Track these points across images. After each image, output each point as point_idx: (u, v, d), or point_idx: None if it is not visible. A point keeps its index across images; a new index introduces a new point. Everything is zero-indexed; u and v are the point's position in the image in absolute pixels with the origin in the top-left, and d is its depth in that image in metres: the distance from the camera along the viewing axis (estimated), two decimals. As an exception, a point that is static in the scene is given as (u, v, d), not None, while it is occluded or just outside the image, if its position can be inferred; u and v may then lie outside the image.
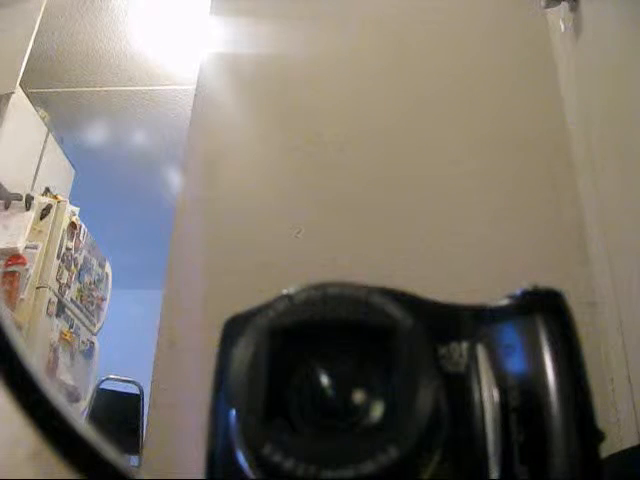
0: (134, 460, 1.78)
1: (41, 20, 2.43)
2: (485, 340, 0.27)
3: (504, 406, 0.25)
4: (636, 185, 0.93)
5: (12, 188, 2.54)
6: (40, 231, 2.50)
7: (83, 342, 2.74)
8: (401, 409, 0.23)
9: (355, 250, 1.17)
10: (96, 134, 3.09)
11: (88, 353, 2.78)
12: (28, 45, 2.41)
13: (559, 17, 1.22)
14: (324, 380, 0.25)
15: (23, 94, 2.59)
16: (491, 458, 0.25)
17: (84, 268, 2.76)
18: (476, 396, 0.26)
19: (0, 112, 2.41)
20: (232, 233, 1.22)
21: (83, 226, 2.74)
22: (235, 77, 1.40)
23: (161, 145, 3.04)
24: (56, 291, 2.49)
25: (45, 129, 2.87)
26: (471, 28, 1.37)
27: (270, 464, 0.22)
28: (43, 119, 2.84)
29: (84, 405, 2.45)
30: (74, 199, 2.80)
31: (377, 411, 0.24)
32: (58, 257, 2.51)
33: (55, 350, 2.45)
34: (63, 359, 2.51)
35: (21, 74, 2.42)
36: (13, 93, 2.46)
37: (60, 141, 3.00)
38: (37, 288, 2.39)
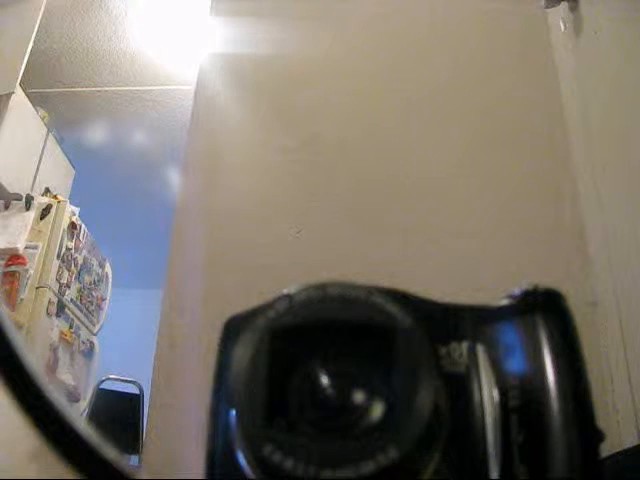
0: (134, 460, 1.78)
1: (41, 20, 2.44)
2: (485, 340, 0.27)
3: (504, 406, 0.25)
4: (636, 185, 0.93)
5: (12, 188, 2.54)
6: (40, 231, 2.50)
7: (83, 342, 2.74)
8: (401, 409, 0.23)
9: (355, 250, 1.17)
10: (96, 134, 3.10)
11: (88, 353, 2.79)
12: (28, 45, 2.41)
13: (559, 17, 1.22)
14: (324, 380, 0.25)
15: (23, 94, 2.59)
16: (491, 458, 0.25)
17: (84, 268, 2.76)
18: (476, 396, 0.26)
19: (0, 112, 2.41)
20: (232, 233, 1.22)
21: (83, 226, 2.74)
22: (235, 77, 1.40)
23: (161, 145, 3.04)
24: (56, 291, 2.49)
25: (45, 129, 2.87)
26: (471, 28, 1.37)
27: (270, 464, 0.22)
28: (43, 119, 2.84)
29: (84, 405, 2.45)
30: (74, 199, 2.80)
31: (377, 411, 0.24)
32: (58, 257, 2.51)
33: (55, 350, 2.45)
34: (63, 359, 2.51)
35: (21, 74, 2.43)
36: (13, 93, 2.46)
37: (60, 141, 3.00)
38: (37, 288, 2.39)
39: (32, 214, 2.52)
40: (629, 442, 0.82)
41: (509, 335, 0.27)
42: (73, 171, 3.15)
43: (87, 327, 2.80)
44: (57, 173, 2.97)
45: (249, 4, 1.48)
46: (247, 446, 0.24)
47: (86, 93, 2.94)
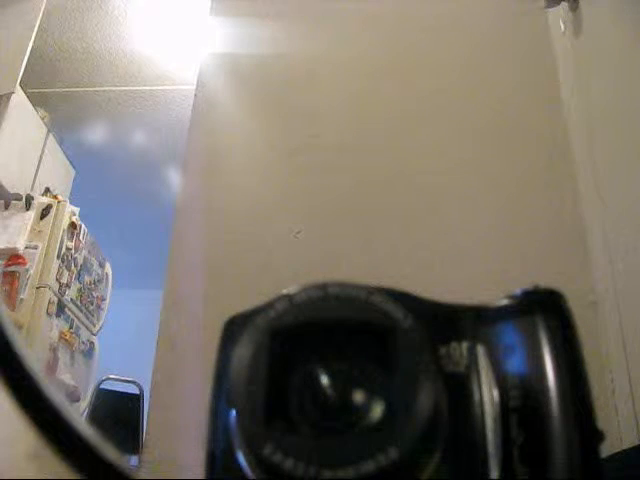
0: (134, 460, 1.78)
1: (41, 20, 2.43)
2: (485, 340, 0.27)
3: (504, 406, 0.25)
4: (636, 185, 0.93)
5: (12, 188, 2.54)
6: (40, 231, 2.50)
7: (83, 342, 2.74)
8: (401, 409, 0.23)
9: (355, 250, 1.17)
10: (96, 134, 3.09)
11: (88, 353, 2.78)
12: (28, 45, 2.41)
13: (559, 17, 1.22)
14: (324, 380, 0.25)
15: (23, 94, 2.59)
16: (491, 458, 0.25)
17: (84, 268, 2.76)
18: (476, 396, 0.26)
19: (0, 112, 2.41)
20: (232, 233, 1.22)
21: (83, 226, 2.74)
22: (235, 77, 1.40)
23: (161, 145, 3.04)
24: (56, 291, 2.49)
25: (45, 129, 2.87)
26: (471, 28, 1.37)
27: (270, 464, 0.22)
28: (43, 119, 2.84)
29: (84, 405, 2.44)
30: (74, 199, 2.80)
31: (377, 411, 0.24)
32: (58, 257, 2.51)
33: (55, 350, 2.45)
34: (63, 359, 2.51)
35: (21, 74, 2.42)
36: (13, 93, 2.46)
37: (60, 141, 3.00)
38: (37, 288, 2.39)
39: (32, 214, 2.52)
40: (629, 442, 0.82)
41: (509, 335, 0.27)
42: (73, 171, 3.14)
43: (87, 327, 2.80)
44: (57, 173, 2.97)
45: (249, 4, 1.48)
46: (247, 446, 0.24)
47: (86, 93, 2.94)
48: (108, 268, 3.04)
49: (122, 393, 2.43)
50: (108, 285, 3.03)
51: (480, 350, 0.27)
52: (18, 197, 2.54)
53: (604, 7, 1.07)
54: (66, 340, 2.55)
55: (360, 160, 1.27)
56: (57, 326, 2.49)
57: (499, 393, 0.26)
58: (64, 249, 2.56)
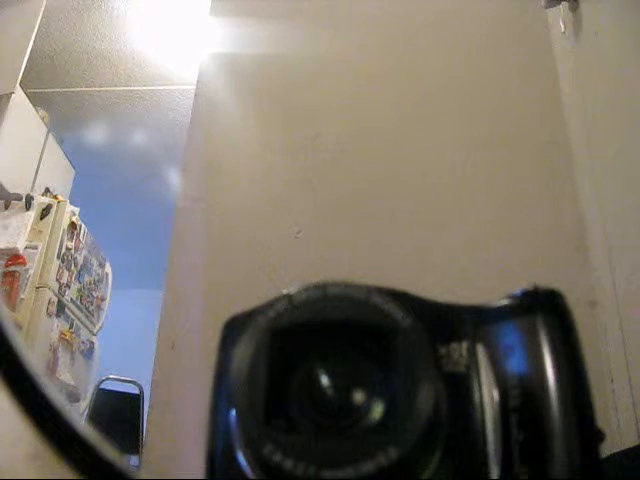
0: (134, 460, 1.78)
1: (41, 20, 2.44)
2: (485, 340, 0.27)
3: (504, 406, 0.25)
4: (636, 185, 0.93)
5: (12, 188, 2.54)
6: (40, 231, 2.50)
7: (83, 342, 2.74)
8: (401, 409, 0.23)
9: (355, 250, 1.17)
10: (96, 134, 3.10)
11: (88, 353, 2.79)
12: (28, 45, 2.41)
13: (559, 17, 1.22)
14: (324, 380, 0.25)
15: (23, 94, 2.59)
16: (491, 458, 0.25)
17: (84, 268, 2.76)
18: (476, 396, 0.26)
19: (0, 112, 2.41)
20: (232, 233, 1.22)
21: (83, 226, 2.74)
22: (235, 77, 1.40)
23: (161, 145, 3.04)
24: (56, 291, 2.49)
25: (45, 129, 2.87)
26: (471, 28, 1.37)
27: (270, 464, 0.22)
28: (43, 119, 2.84)
29: (84, 405, 2.45)
30: (74, 199, 2.80)
31: (377, 411, 0.24)
32: (58, 257, 2.51)
33: (55, 350, 2.45)
34: (63, 359, 2.51)
35: (21, 74, 2.42)
36: (13, 93, 2.46)
37: (60, 141, 3.00)
38: (37, 288, 2.39)
39: (32, 214, 2.52)
40: (629, 442, 0.82)
41: (509, 335, 0.27)
42: (73, 171, 3.15)
43: (87, 327, 2.80)
44: (57, 173, 2.97)
45: (249, 4, 1.48)
46: (247, 446, 0.24)
47: (86, 93, 2.94)
48: (108, 268, 3.04)
49: (122, 393, 2.43)
50: (108, 285, 3.03)
51: (480, 350, 0.27)
52: (18, 197, 2.54)
53: (604, 7, 1.06)
54: (66, 340, 2.55)
55: (360, 160, 1.27)
56: (57, 326, 2.49)
57: (499, 393, 0.26)
58: (64, 249, 2.57)
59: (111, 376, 2.49)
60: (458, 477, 0.25)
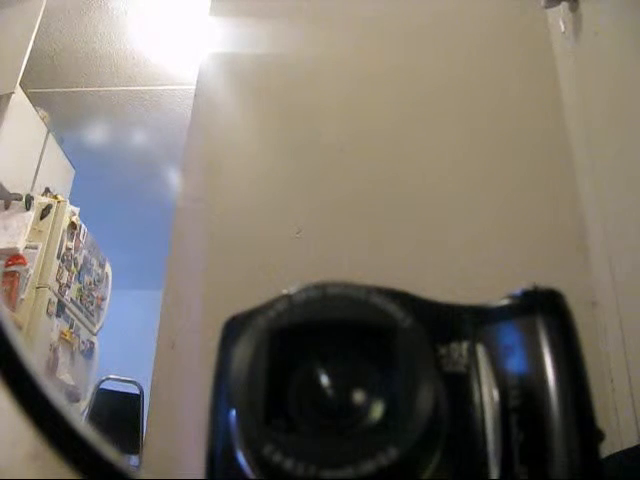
0: (134, 460, 1.78)
1: (41, 20, 2.44)
2: (485, 340, 0.27)
3: (504, 406, 0.25)
4: (636, 185, 0.93)
5: (12, 188, 2.54)
6: (40, 231, 2.50)
7: (83, 342, 2.74)
8: (401, 409, 0.23)
9: (355, 250, 1.17)
10: (96, 134, 3.10)
11: (88, 353, 2.79)
12: (28, 45, 2.41)
13: (559, 17, 1.22)
14: (324, 380, 0.25)
15: (23, 94, 2.59)
16: (491, 458, 0.25)
17: (84, 268, 2.76)
18: (476, 396, 0.26)
19: (0, 112, 2.41)
20: (232, 233, 1.22)
21: (83, 226, 2.74)
22: (235, 77, 1.40)
23: (161, 145, 3.04)
24: (56, 291, 2.49)
25: (45, 129, 2.87)
26: (471, 28, 1.37)
27: (270, 464, 0.22)
28: (43, 119, 2.84)
29: (84, 405, 2.45)
30: (74, 199, 2.80)
31: (377, 411, 0.24)
32: (58, 257, 2.51)
33: (55, 350, 2.45)
34: (63, 359, 2.51)
35: (21, 74, 2.42)
36: (13, 93, 2.46)
37: (60, 141, 3.00)
38: (37, 288, 2.39)
39: (32, 214, 2.52)
40: (629, 442, 0.82)
41: (509, 335, 0.27)
42: (73, 171, 3.15)
43: (87, 327, 2.80)
44: (57, 173, 2.97)
45: (249, 4, 1.48)
46: (247, 446, 0.24)
47: (86, 93, 2.94)
48: (108, 268, 3.04)
49: (122, 393, 2.43)
50: (108, 285, 3.03)
51: (480, 350, 0.27)
52: (18, 197, 2.54)
53: (604, 7, 1.06)
54: (66, 340, 2.55)
55: (360, 160, 1.27)
56: (57, 326, 2.49)
57: (499, 393, 0.26)
58: (64, 249, 2.57)
59: (111, 376, 2.49)
60: (458, 477, 0.25)
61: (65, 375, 2.50)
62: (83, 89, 2.92)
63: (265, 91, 1.38)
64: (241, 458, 0.24)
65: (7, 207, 2.53)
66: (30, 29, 2.41)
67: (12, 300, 2.30)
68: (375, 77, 1.35)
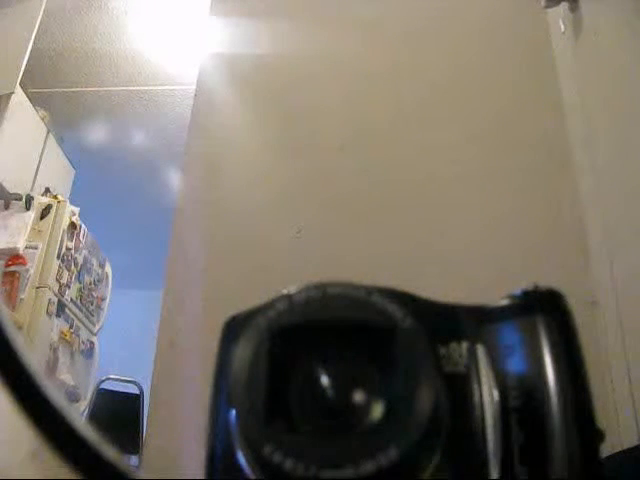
0: (134, 460, 1.78)
1: (41, 20, 2.44)
2: (485, 340, 0.27)
3: (504, 406, 0.25)
4: (636, 185, 0.93)
5: (12, 188, 2.54)
6: (40, 231, 2.50)
7: (83, 342, 2.74)
8: (401, 409, 0.23)
9: (355, 250, 1.17)
10: (96, 134, 3.10)
11: (88, 353, 2.79)
12: (28, 45, 2.41)
13: (559, 17, 1.22)
14: (324, 380, 0.25)
15: (23, 94, 2.59)
16: (491, 458, 0.25)
17: (84, 268, 2.76)
18: (476, 396, 0.26)
19: (0, 112, 2.41)
20: (232, 233, 1.22)
21: (83, 226, 2.74)
22: (235, 77, 1.40)
23: (161, 145, 3.04)
24: (56, 291, 2.49)
25: (45, 129, 2.87)
26: (471, 28, 1.37)
27: (270, 464, 0.22)
28: (43, 119, 2.84)
29: (84, 405, 2.45)
30: (74, 199, 2.80)
31: (377, 411, 0.24)
32: (58, 257, 2.51)
33: (55, 350, 2.45)
34: (63, 359, 2.51)
35: (21, 74, 2.43)
36: (13, 93, 2.46)
37: (60, 141, 3.00)
38: (37, 288, 2.39)
39: (32, 214, 2.52)
40: (629, 442, 0.82)
41: (509, 335, 0.27)
42: (73, 171, 3.15)
43: (87, 327, 2.80)
44: (57, 173, 2.97)
45: (249, 4, 1.48)
46: (247, 446, 0.24)
47: (86, 93, 2.94)
48: (108, 268, 3.04)
49: (122, 393, 2.43)
50: (108, 285, 3.03)
51: (480, 350, 0.27)
52: (18, 197, 2.54)
53: (604, 7, 1.06)
54: (66, 340, 2.55)
55: (360, 160, 1.27)
56: (57, 326, 2.49)
57: (499, 393, 0.26)
58: (64, 249, 2.57)
59: (111, 376, 2.49)
60: (458, 477, 0.25)
61: (65, 375, 2.50)
62: (83, 89, 2.92)
63: (265, 91, 1.38)
64: (241, 458, 0.24)
65: (7, 207, 2.53)
66: (30, 29, 2.41)
67: (12, 300, 2.30)
68: (375, 77, 1.35)
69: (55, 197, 2.69)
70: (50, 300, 2.43)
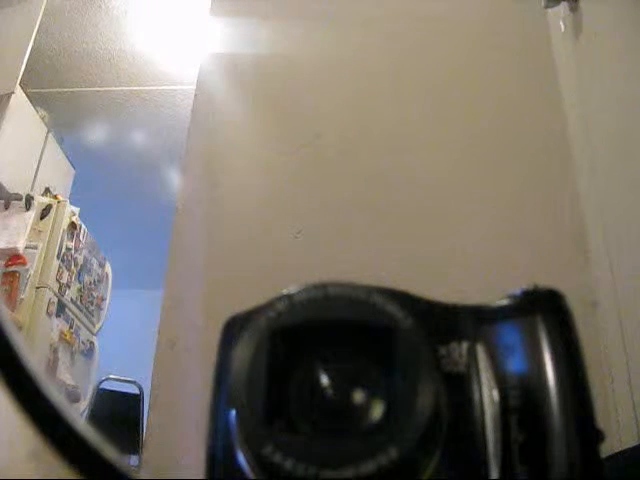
0: (134, 460, 1.78)
1: (41, 20, 2.44)
2: (485, 340, 0.27)
3: (504, 406, 0.25)
4: (636, 185, 0.93)
5: (12, 188, 2.54)
6: (40, 231, 2.50)
7: (83, 342, 2.74)
8: (401, 409, 0.23)
9: (355, 250, 1.17)
10: (96, 134, 3.10)
11: (88, 353, 2.79)
12: (28, 45, 2.41)
13: (559, 17, 1.22)
14: (324, 380, 0.25)
15: (23, 94, 2.59)
16: (491, 458, 0.25)
17: (84, 268, 2.76)
18: (476, 396, 0.26)
19: (0, 112, 2.41)
20: (232, 233, 1.22)
21: (83, 226, 2.74)
22: (235, 77, 1.40)
23: (161, 145, 3.04)
24: (56, 291, 2.49)
25: (45, 129, 2.87)
26: (471, 28, 1.37)
27: (270, 464, 0.22)
28: (43, 119, 2.84)
29: (84, 405, 2.45)
30: (74, 199, 2.80)
31: (377, 411, 0.24)
32: (58, 257, 2.51)
33: (55, 350, 2.45)
34: (63, 359, 2.51)
35: (21, 74, 2.43)
36: (13, 93, 2.46)
37: (60, 141, 3.00)
38: (37, 288, 2.39)
39: (32, 214, 2.52)
40: (629, 442, 0.82)
41: (509, 335, 0.27)
42: (73, 171, 3.15)
43: (87, 327, 2.80)
44: (57, 173, 2.97)
45: (249, 4, 1.48)
46: (247, 446, 0.24)
47: (86, 93, 2.94)
48: (108, 268, 3.04)
49: (122, 393, 2.43)
50: (108, 285, 3.03)
51: (480, 350, 0.27)
52: (18, 197, 2.54)
53: (604, 7, 1.06)
54: (66, 340, 2.55)
55: (361, 160, 1.27)
56: (57, 326, 2.49)
57: (499, 393, 0.26)
58: (64, 249, 2.57)
59: (111, 376, 2.49)
60: (458, 477, 0.25)
61: (65, 375, 2.50)
62: (83, 89, 2.91)
63: (265, 91, 1.38)
64: (241, 458, 0.24)
65: (7, 207, 2.53)
66: (30, 29, 2.41)
67: (12, 300, 2.30)
68: (375, 77, 1.35)
69: (55, 197, 2.69)
70: (50, 300, 2.43)
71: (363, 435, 0.24)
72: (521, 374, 0.26)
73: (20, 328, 2.20)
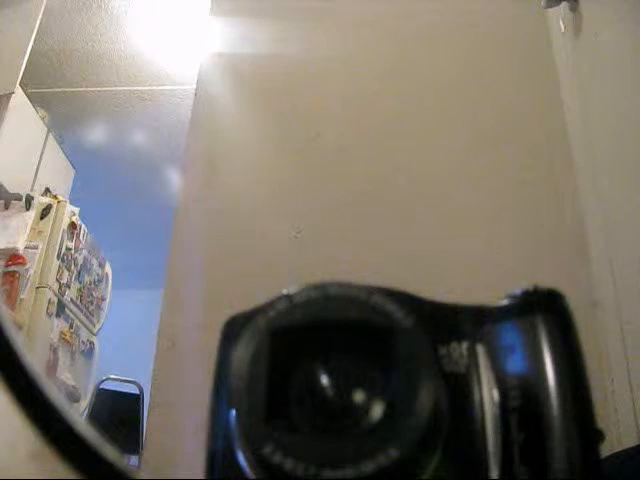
0: (134, 460, 1.78)
1: (41, 20, 2.44)
2: (485, 340, 0.27)
3: (504, 406, 0.25)
4: (636, 185, 0.93)
5: (12, 188, 2.54)
6: (40, 231, 2.50)
7: (83, 342, 2.74)
8: (401, 409, 0.23)
9: (355, 250, 1.17)
10: (96, 134, 3.09)
11: (88, 353, 2.78)
12: (28, 45, 2.41)
13: (559, 17, 1.22)
14: (324, 380, 0.25)
15: (23, 94, 2.59)
16: (491, 458, 0.25)
17: (84, 268, 2.76)
18: (476, 396, 0.26)
19: (0, 112, 2.41)
20: (232, 233, 1.22)
21: (83, 226, 2.74)
22: (235, 77, 1.40)
23: (161, 145, 3.04)
24: (56, 291, 2.49)
25: (45, 129, 2.87)
26: (471, 28, 1.37)
27: (270, 464, 0.22)
28: (43, 119, 2.84)
29: (84, 405, 2.45)
30: (74, 199, 2.80)
31: (377, 411, 0.24)
32: (58, 257, 2.51)
33: (55, 350, 2.45)
34: (63, 359, 2.51)
35: (21, 74, 2.42)
36: (13, 93, 2.46)
37: (60, 141, 3.00)
38: (37, 288, 2.39)
39: (32, 214, 2.52)
40: (629, 442, 0.82)
41: (509, 335, 0.27)
42: (73, 171, 3.15)
43: (87, 327, 2.80)
44: (57, 173, 2.97)
45: (249, 4, 1.48)
46: (247, 446, 0.24)
47: (86, 93, 2.94)
48: (108, 268, 3.04)
49: (122, 393, 2.43)
50: (108, 285, 3.03)
51: (480, 350, 0.27)
52: (18, 197, 2.54)
53: (604, 7, 1.07)
54: (66, 340, 2.55)
55: (360, 160, 1.27)
56: (57, 326, 2.49)
57: (499, 393, 0.26)
58: (64, 249, 2.57)
59: (111, 376, 2.49)
60: (458, 477, 0.25)
61: (65, 375, 2.50)
62: (83, 89, 2.91)
63: (265, 91, 1.38)
64: (241, 458, 0.24)
65: (7, 207, 2.52)
66: (30, 29, 2.41)
67: (12, 300, 2.30)
68: (375, 77, 1.35)
69: (55, 197, 2.69)
70: (50, 300, 2.43)
71: (363, 435, 0.24)
72: (521, 374, 0.26)
73: (20, 328, 2.20)
